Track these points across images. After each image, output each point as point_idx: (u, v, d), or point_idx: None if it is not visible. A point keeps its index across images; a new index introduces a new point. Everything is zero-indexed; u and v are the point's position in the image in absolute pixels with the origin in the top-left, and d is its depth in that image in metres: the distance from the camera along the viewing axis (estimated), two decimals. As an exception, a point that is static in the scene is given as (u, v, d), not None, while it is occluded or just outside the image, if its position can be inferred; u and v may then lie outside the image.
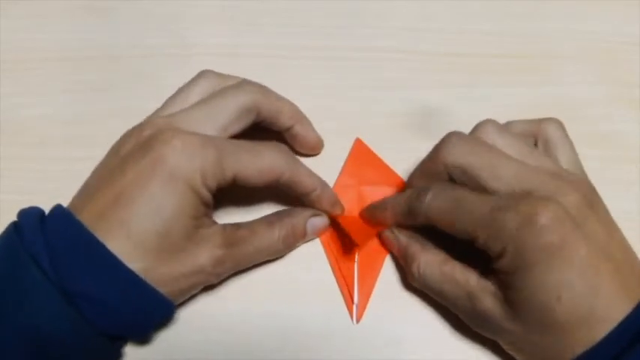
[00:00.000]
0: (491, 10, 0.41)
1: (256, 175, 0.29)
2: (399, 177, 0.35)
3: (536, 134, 0.32)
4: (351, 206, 0.34)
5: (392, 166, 0.35)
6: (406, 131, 0.37)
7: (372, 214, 0.33)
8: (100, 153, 0.35)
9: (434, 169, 0.30)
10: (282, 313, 0.32)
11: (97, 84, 0.38)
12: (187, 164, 0.27)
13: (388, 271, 0.33)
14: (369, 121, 0.37)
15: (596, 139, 0.37)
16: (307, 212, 0.32)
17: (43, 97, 0.38)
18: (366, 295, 0.32)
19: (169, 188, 0.27)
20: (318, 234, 0.33)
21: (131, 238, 0.27)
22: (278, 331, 0.32)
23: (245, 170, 0.29)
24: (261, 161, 0.29)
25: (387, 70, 0.39)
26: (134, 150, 0.29)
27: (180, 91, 0.32)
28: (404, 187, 0.34)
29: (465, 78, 0.39)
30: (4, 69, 0.38)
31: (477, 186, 0.28)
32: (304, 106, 0.35)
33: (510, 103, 0.38)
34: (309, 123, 0.35)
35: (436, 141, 0.36)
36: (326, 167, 0.35)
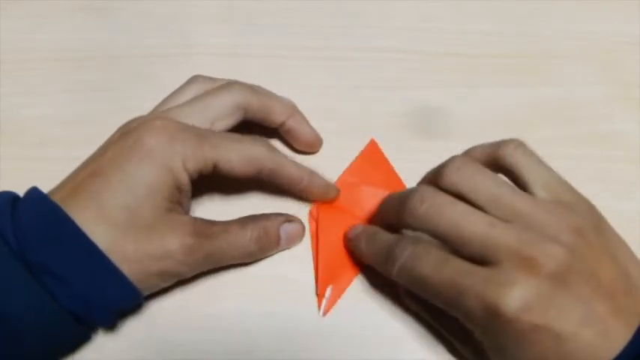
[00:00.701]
0: (492, 10, 0.41)
1: (237, 164, 0.29)
2: (405, 185, 0.35)
3: (497, 164, 0.29)
4: (350, 204, 0.34)
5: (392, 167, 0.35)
6: (406, 131, 0.37)
7: (353, 251, 0.33)
8: (100, 153, 0.36)
9: (401, 224, 0.29)
10: (282, 313, 0.32)
11: (97, 84, 0.38)
12: (167, 145, 0.28)
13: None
14: (369, 121, 0.37)
15: (596, 139, 0.37)
16: (281, 217, 0.32)
17: (43, 97, 0.38)
18: (339, 291, 0.32)
19: (146, 166, 0.27)
20: (292, 241, 0.33)
21: (100, 211, 0.27)
22: (278, 331, 0.32)
23: (226, 157, 0.29)
24: (243, 149, 0.30)
25: (387, 70, 0.39)
26: (119, 137, 0.30)
27: (172, 94, 0.33)
28: None
29: (465, 78, 0.39)
30: (4, 69, 0.38)
31: (447, 245, 0.27)
32: (304, 106, 0.35)
33: (510, 103, 0.38)
34: (303, 118, 0.35)
35: (436, 141, 0.36)
36: (326, 168, 0.35)
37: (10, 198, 0.28)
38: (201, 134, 0.29)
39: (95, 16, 0.40)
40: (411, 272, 0.27)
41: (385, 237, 0.30)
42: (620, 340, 0.24)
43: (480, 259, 0.26)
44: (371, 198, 0.34)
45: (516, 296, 0.24)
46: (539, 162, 0.29)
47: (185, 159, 0.28)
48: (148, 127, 0.28)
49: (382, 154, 0.36)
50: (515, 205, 0.26)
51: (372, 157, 0.36)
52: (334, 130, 0.36)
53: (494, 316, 0.25)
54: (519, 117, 0.37)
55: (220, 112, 0.31)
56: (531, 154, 0.29)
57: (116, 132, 0.31)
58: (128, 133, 0.29)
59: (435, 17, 0.41)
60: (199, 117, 0.30)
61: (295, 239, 0.33)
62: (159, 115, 0.31)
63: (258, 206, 0.34)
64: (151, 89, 0.37)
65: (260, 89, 0.33)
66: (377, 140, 0.36)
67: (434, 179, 0.29)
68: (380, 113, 0.37)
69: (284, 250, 0.33)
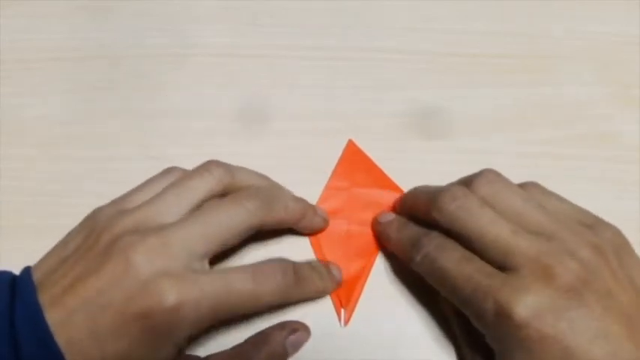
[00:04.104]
0: (492, 10, 0.41)
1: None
2: (391, 180, 0.35)
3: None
4: (341, 209, 0.34)
5: (392, 167, 0.35)
6: (406, 131, 0.37)
7: (377, 237, 0.33)
8: (99, 153, 0.36)
9: (428, 219, 0.29)
10: (282, 313, 0.32)
11: (97, 84, 0.38)
12: (178, 329, 0.26)
13: (386, 272, 0.33)
14: (368, 121, 0.37)
15: (596, 139, 0.37)
16: (284, 333, 0.31)
17: (43, 97, 0.38)
18: (355, 299, 0.32)
19: (149, 343, 0.25)
20: (299, 347, 0.31)
21: None
22: (278, 331, 0.32)
23: (242, 308, 0.28)
24: (260, 303, 0.28)
25: (387, 71, 0.39)
26: (106, 256, 0.25)
27: (148, 184, 0.30)
28: (395, 190, 0.34)
29: (465, 78, 0.39)
30: (4, 69, 0.38)
31: (467, 246, 0.28)
32: (304, 106, 0.35)
33: (510, 103, 0.38)
34: (312, 212, 0.33)
35: (436, 141, 0.36)
36: (325, 168, 0.35)
37: (7, 305, 0.25)
38: (216, 303, 0.26)
39: (95, 16, 0.40)
40: (433, 262, 0.28)
41: (415, 227, 0.31)
42: None
43: (500, 263, 0.26)
44: (363, 199, 0.34)
45: (529, 303, 0.25)
46: (559, 197, 0.30)
47: (193, 330, 0.26)
48: (159, 300, 0.25)
49: (363, 153, 0.36)
50: (538, 220, 0.27)
51: (354, 159, 0.36)
52: (334, 130, 0.36)
53: (505, 320, 0.25)
54: (519, 117, 0.37)
55: (231, 238, 0.28)
56: (549, 192, 0.30)
57: (85, 231, 0.27)
58: (135, 295, 0.25)
59: (435, 17, 0.41)
60: (206, 243, 0.27)
61: (302, 344, 0.32)
62: (163, 256, 0.26)
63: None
64: (151, 89, 0.37)
65: (273, 200, 0.30)
66: (376, 140, 0.36)
67: (464, 185, 0.29)
68: (380, 113, 0.37)
69: None
